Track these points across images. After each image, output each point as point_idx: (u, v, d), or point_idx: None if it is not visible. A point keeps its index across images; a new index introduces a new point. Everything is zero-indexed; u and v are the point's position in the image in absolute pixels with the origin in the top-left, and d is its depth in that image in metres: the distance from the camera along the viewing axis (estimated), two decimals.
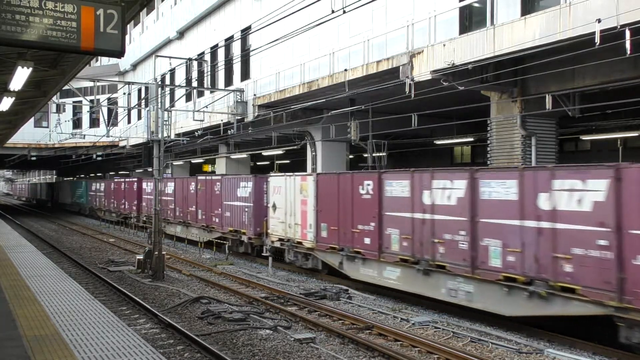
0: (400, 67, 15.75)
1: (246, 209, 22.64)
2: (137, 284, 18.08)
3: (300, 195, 18.94)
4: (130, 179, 39.17)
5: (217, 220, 25.30)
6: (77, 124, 46.50)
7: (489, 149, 15.84)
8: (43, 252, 19.94)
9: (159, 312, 13.64)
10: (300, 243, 18.94)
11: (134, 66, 43.77)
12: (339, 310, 13.80)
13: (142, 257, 20.12)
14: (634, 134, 18.31)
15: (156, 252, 18.88)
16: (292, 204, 19.39)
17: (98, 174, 62.22)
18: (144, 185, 35.83)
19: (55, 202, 67.97)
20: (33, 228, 39.09)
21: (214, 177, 26.41)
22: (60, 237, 33.57)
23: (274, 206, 20.45)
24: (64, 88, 16.92)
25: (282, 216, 19.89)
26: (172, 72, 32.42)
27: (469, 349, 11.03)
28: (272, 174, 21.73)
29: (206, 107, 25.88)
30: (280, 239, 20.10)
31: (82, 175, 69.37)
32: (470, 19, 15.56)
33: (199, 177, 27.68)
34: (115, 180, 42.59)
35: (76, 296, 10.83)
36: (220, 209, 24.91)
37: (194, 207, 27.65)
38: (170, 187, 30.98)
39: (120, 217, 40.01)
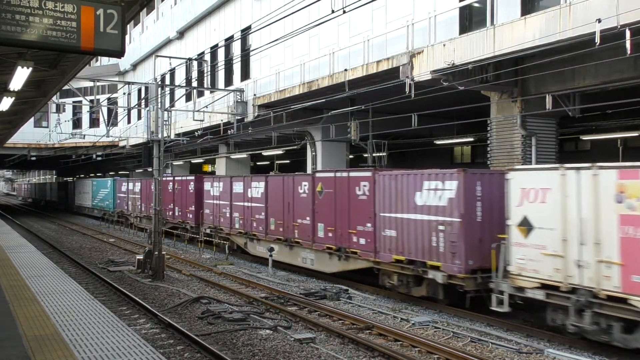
0: (400, 67, 15.76)
1: (441, 227, 13.90)
2: (137, 284, 18.08)
3: (621, 207, 10.26)
4: (186, 177, 29.92)
5: (362, 241, 16.39)
6: (77, 124, 46.50)
7: (489, 149, 15.86)
8: (43, 252, 19.94)
9: (159, 312, 13.64)
10: (621, 299, 10.25)
11: (134, 66, 43.77)
12: (339, 310, 13.80)
13: (142, 257, 20.13)
14: (634, 134, 18.32)
15: (156, 252, 18.89)
16: (587, 222, 10.81)
17: (98, 174, 61.70)
18: (207, 185, 26.69)
19: (69, 205, 58.06)
20: (33, 228, 39.10)
21: (354, 175, 17.04)
22: (60, 237, 33.57)
23: (527, 224, 11.85)
24: (64, 88, 16.92)
25: (555, 244, 11.28)
26: (172, 72, 32.43)
27: (469, 349, 11.03)
28: (518, 167, 12.86)
29: (206, 107, 25.88)
30: (546, 285, 11.47)
31: (112, 173, 57.86)
32: (470, 19, 15.56)
33: (320, 175, 18.87)
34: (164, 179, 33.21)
35: (76, 296, 10.83)
36: (370, 224, 16.04)
37: (307, 219, 18.83)
38: (256, 189, 22.30)
39: (166, 226, 30.40)
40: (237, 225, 23.72)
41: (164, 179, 30.68)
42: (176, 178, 30.81)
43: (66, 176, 74.58)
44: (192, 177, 28.74)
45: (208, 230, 26.06)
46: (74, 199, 55.68)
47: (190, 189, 28.37)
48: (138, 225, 35.55)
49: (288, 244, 20.02)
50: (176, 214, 30.05)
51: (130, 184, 38.14)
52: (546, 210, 11.53)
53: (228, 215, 24.36)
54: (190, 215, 28.10)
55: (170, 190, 30.65)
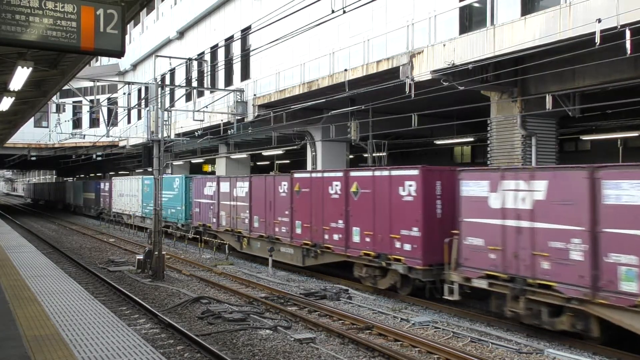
0: (400, 67, 15.76)
1: None
2: (137, 284, 18.08)
3: None
4: (392, 172, 15.22)
5: None
6: (77, 124, 46.55)
7: (489, 149, 15.86)
8: (43, 252, 19.94)
9: (159, 312, 13.64)
10: None
11: (134, 66, 43.80)
12: (339, 310, 13.80)
13: (142, 257, 20.13)
14: (634, 134, 18.32)
15: (156, 252, 18.88)
16: None
17: (98, 174, 61.49)
18: (470, 186, 12.74)
19: (103, 212, 44.05)
20: (33, 228, 39.09)
21: None
22: (60, 237, 33.57)
23: None
24: (64, 88, 16.93)
25: None
26: (172, 72, 32.45)
27: (469, 349, 11.02)
28: None
29: (206, 107, 25.88)
30: None
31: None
32: (470, 19, 15.57)
33: None
34: (298, 175, 19.43)
35: (76, 296, 10.83)
36: None
37: None
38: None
39: (323, 259, 17.93)
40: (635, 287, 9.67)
41: (303, 176, 19.05)
42: (352, 174, 16.69)
43: (66, 176, 73.99)
44: (414, 172, 14.54)
45: (483, 284, 12.40)
46: (111, 203, 41.92)
47: (402, 193, 14.75)
48: (246, 249, 22.53)
49: None
50: (354, 239, 16.33)
51: (224, 184, 24.22)
52: None
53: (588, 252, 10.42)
54: (408, 246, 14.52)
55: (334, 196, 17.20)
